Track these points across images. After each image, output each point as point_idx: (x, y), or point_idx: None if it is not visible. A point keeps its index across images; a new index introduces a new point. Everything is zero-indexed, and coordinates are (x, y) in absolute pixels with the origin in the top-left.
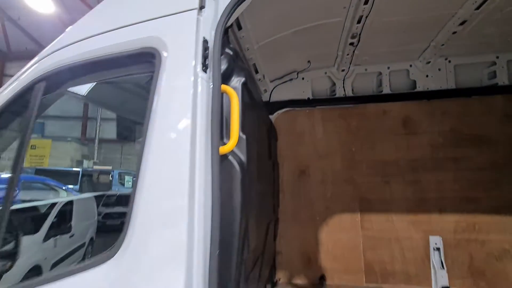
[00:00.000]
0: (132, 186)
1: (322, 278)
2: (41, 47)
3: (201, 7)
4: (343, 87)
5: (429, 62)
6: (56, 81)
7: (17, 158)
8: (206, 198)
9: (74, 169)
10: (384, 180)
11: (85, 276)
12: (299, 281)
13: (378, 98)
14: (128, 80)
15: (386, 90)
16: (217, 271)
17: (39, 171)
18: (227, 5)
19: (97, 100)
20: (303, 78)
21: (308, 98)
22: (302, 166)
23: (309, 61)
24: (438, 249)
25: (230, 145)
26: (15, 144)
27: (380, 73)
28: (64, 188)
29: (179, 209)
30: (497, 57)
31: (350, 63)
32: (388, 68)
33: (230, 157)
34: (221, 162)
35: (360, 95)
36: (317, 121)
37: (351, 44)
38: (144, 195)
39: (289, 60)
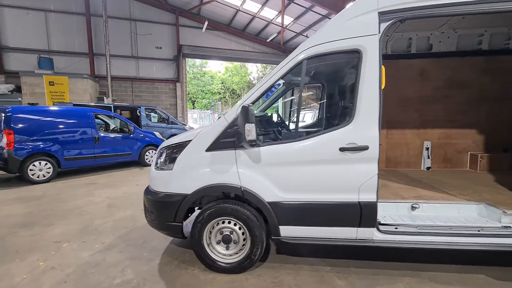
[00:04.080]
0: (351, 101)
1: None
2: None
3: (379, 32)
4: (385, 47)
5: (443, 32)
6: (311, 61)
7: (298, 106)
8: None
9: (105, 104)
10: (403, 109)
11: (340, 130)
12: None
13: (407, 56)
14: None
15: (413, 50)
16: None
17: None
18: (384, 29)
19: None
20: None
21: None
22: None
23: None
24: (427, 148)
25: (383, 86)
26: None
27: (411, 38)
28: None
29: (374, 106)
30: (485, 31)
31: (393, 31)
32: (417, 35)
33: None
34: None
35: (395, 53)
36: None
37: (399, 21)
38: (362, 102)
39: None
